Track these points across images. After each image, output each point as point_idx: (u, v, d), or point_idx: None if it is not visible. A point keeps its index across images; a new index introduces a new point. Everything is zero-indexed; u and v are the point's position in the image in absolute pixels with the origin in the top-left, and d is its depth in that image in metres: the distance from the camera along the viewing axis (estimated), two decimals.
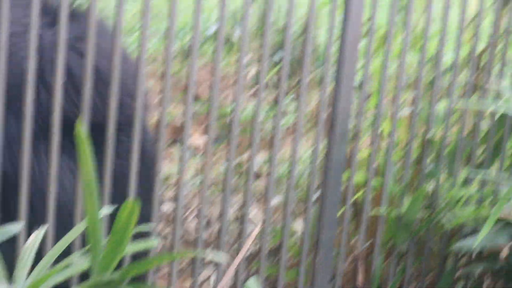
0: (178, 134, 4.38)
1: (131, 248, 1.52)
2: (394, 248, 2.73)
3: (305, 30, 2.45)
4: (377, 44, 3.07)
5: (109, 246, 1.38)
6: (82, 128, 1.31)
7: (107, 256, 1.39)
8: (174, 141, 4.25)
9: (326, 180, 2.54)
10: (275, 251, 3.17)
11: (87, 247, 1.42)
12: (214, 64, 2.29)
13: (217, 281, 2.38)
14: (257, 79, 2.38)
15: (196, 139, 4.04)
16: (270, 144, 2.51)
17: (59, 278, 1.48)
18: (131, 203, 1.32)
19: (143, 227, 1.69)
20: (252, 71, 4.64)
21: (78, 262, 1.48)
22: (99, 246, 1.40)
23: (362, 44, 2.54)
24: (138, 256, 2.13)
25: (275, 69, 2.76)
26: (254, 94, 2.65)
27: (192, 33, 2.22)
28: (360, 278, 2.65)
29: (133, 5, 7.03)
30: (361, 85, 2.55)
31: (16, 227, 1.61)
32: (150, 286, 1.38)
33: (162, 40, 6.22)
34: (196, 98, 4.59)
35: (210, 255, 1.42)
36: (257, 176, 3.89)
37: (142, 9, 2.14)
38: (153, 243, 1.57)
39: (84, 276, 1.48)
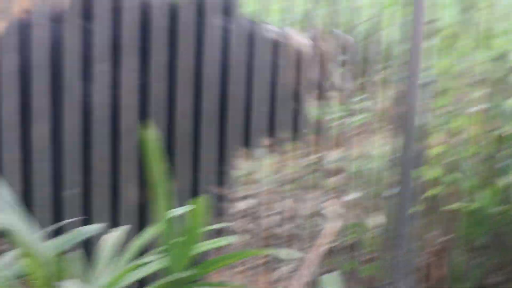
0: None
1: (207, 245, 1.50)
2: (471, 241, 2.65)
3: (372, 31, 2.40)
4: (444, 43, 3.00)
5: (182, 245, 1.37)
6: (150, 130, 1.30)
7: (181, 254, 1.38)
8: None
9: (400, 177, 2.49)
10: (353, 246, 3.12)
11: (162, 247, 1.41)
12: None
13: (296, 275, 2.34)
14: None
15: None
16: (344, 142, 2.47)
17: (136, 275, 1.47)
18: (200, 204, 1.30)
19: (219, 225, 1.68)
20: None
21: (154, 261, 1.47)
22: (173, 245, 1.39)
23: (429, 43, 2.48)
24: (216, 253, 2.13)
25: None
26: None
27: None
28: (438, 271, 2.58)
29: None
30: (429, 84, 2.48)
31: (95, 228, 1.61)
32: (226, 284, 1.35)
33: None
34: None
35: (283, 253, 1.39)
36: (335, 173, 3.85)
37: None
38: (230, 239, 1.54)
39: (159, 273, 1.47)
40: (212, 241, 1.51)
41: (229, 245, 1.59)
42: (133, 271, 1.45)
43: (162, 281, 1.36)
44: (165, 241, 1.40)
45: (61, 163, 2.04)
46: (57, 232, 1.66)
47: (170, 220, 1.39)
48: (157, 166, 1.36)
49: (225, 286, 1.39)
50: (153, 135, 1.32)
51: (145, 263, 1.49)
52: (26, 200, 2.00)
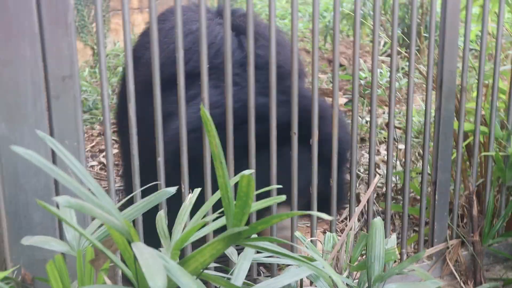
0: (325, 95, 4.29)
1: (257, 205, 1.46)
2: (503, 184, 2.54)
3: (412, 3, 2.29)
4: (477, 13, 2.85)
5: (237, 207, 1.34)
6: (206, 111, 1.26)
7: (237, 214, 1.35)
8: None
9: (439, 130, 2.39)
10: (401, 191, 3.05)
11: (221, 209, 1.39)
12: (354, 37, 2.18)
13: (349, 219, 2.29)
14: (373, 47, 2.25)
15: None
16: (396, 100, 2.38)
17: (203, 232, 1.46)
18: (248, 175, 1.26)
19: (265, 189, 1.63)
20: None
21: (217, 220, 1.45)
22: (232, 207, 1.36)
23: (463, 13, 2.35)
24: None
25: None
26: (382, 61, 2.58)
27: (333, 14, 2.12)
28: (474, 210, 2.48)
29: None
30: (463, 49, 2.36)
31: (172, 189, 1.60)
32: (271, 239, 1.32)
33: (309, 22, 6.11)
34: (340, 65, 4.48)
35: (319, 214, 1.33)
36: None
37: None
38: (280, 198, 1.49)
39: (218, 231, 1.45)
40: (263, 200, 1.47)
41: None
42: (200, 229, 1.43)
43: (222, 235, 1.34)
44: (225, 204, 1.37)
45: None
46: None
47: (229, 187, 1.36)
48: (215, 141, 1.33)
49: (274, 241, 1.35)
50: (208, 116, 1.29)
51: (210, 222, 1.47)
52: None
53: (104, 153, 3.93)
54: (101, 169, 3.80)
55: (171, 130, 2.05)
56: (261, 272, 2.61)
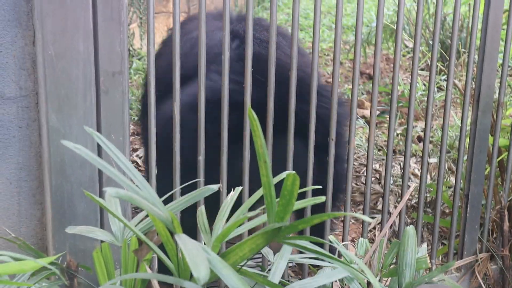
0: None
1: (301, 204, 1.48)
2: None
3: (453, 20, 2.30)
4: None
5: (280, 205, 1.36)
6: (252, 110, 1.28)
7: (279, 212, 1.37)
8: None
9: (474, 144, 2.39)
10: (432, 203, 3.05)
11: (263, 207, 1.41)
12: (375, 50, 2.20)
13: (382, 227, 2.30)
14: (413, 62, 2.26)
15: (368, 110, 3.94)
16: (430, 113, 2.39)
17: (244, 228, 1.48)
18: (293, 174, 1.28)
19: (313, 187, 1.65)
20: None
21: (259, 217, 1.48)
22: (274, 205, 1.38)
23: (503, 31, 2.35)
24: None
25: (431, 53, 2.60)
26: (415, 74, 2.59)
27: (355, 29, 2.13)
28: (505, 225, 2.47)
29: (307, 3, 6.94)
30: (502, 65, 2.36)
31: (215, 186, 1.62)
32: (309, 238, 1.33)
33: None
34: (370, 78, 4.51)
35: (358, 215, 1.35)
36: (419, 140, 3.76)
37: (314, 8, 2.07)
38: (321, 198, 1.51)
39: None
40: (305, 200, 1.49)
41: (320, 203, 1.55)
42: (241, 225, 1.45)
43: (262, 230, 1.36)
44: (267, 201, 1.39)
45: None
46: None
47: (271, 185, 1.38)
48: (260, 140, 1.35)
49: (314, 240, 1.37)
50: (254, 115, 1.31)
51: (251, 218, 1.49)
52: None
53: (136, 153, 3.97)
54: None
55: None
56: (290, 276, 2.63)
